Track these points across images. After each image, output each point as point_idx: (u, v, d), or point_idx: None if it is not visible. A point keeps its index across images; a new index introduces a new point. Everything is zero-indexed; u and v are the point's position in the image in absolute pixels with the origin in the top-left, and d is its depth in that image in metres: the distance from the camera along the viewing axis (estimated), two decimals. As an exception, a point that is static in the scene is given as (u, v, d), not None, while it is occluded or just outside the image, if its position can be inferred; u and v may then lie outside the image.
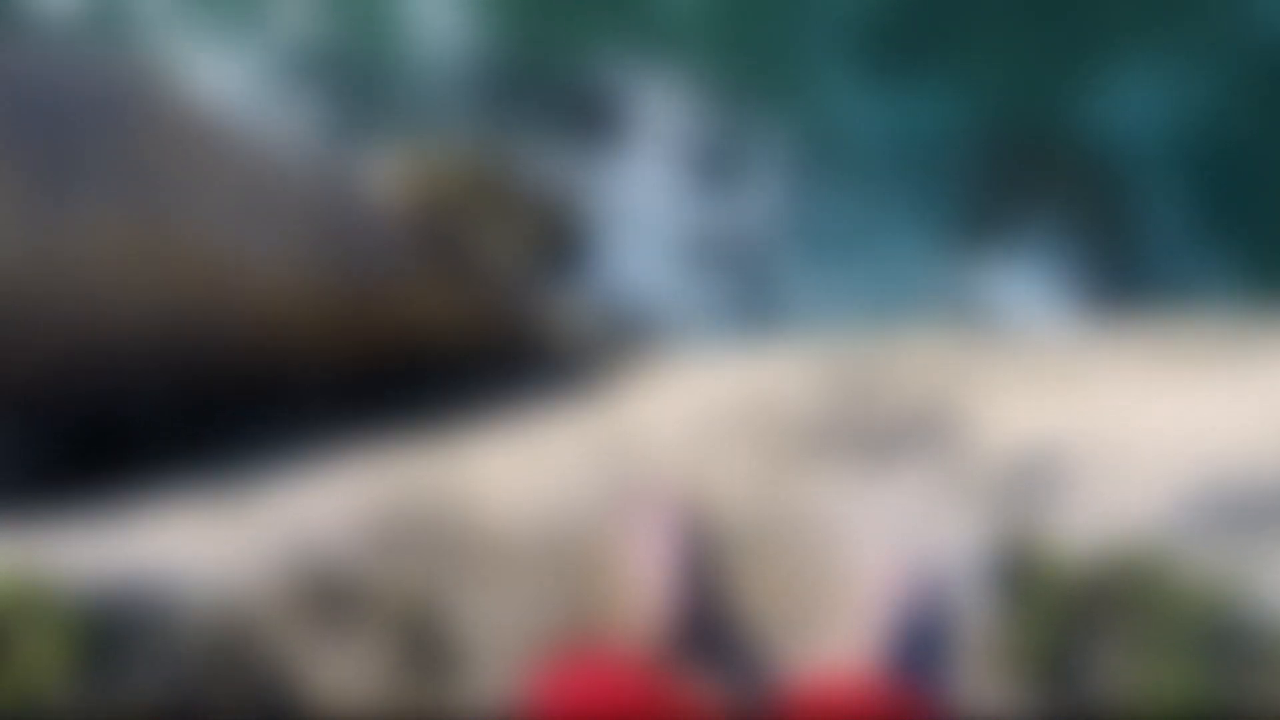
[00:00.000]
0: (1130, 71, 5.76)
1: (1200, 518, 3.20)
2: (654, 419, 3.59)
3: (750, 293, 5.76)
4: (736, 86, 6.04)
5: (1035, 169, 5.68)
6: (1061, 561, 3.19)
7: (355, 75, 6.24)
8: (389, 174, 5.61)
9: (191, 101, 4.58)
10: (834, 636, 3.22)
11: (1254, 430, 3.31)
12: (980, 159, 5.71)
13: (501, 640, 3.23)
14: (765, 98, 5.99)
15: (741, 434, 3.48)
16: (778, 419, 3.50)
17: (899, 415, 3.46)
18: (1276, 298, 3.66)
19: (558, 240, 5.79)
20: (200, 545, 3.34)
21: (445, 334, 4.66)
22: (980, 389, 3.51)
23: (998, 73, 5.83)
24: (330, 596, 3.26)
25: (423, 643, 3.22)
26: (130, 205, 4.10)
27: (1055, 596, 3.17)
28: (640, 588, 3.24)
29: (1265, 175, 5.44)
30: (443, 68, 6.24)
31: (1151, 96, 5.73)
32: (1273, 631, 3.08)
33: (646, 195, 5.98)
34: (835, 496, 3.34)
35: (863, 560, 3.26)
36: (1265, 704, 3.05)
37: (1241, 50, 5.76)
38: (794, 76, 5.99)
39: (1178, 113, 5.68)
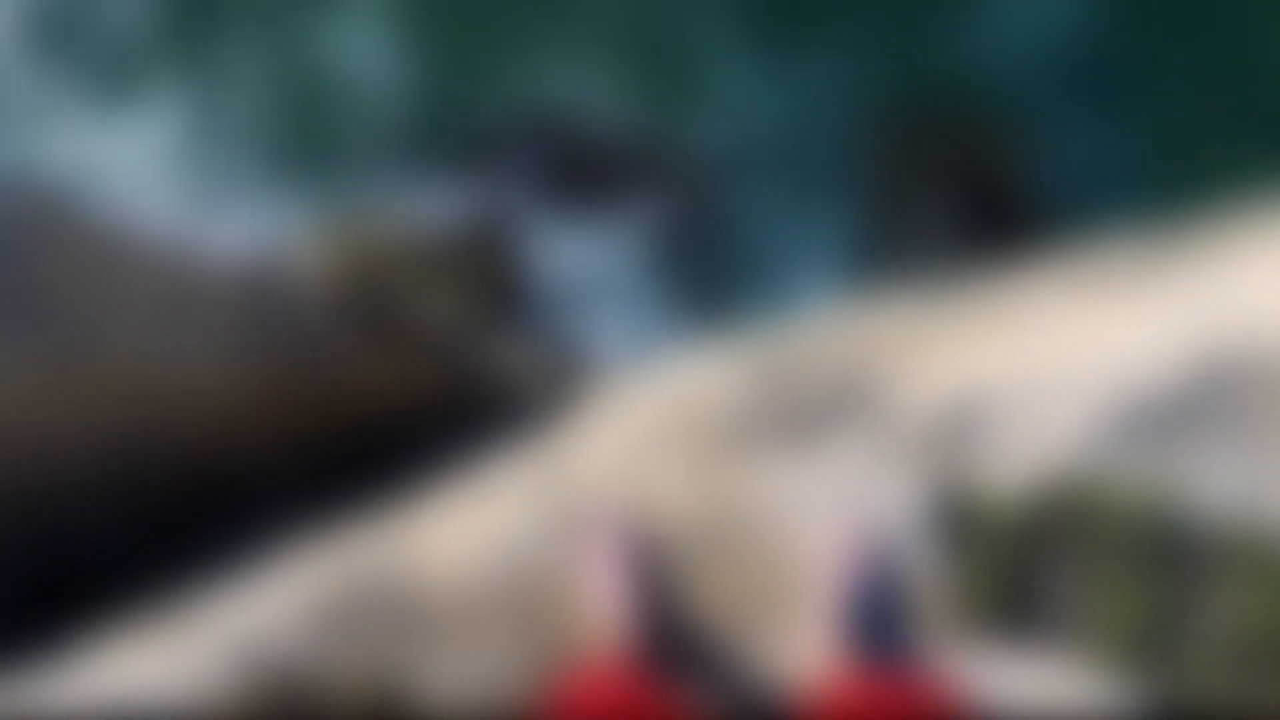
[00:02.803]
0: (1006, 5, 5.80)
1: (1125, 435, 3.24)
2: (591, 448, 3.62)
3: (684, 297, 5.79)
4: (643, 93, 6.07)
5: (930, 124, 5.71)
6: (1001, 502, 3.23)
7: (285, 138, 6.23)
8: (317, 249, 5.62)
9: (94, 217, 4.56)
10: (798, 623, 3.25)
11: (1164, 344, 3.35)
12: (877, 124, 5.75)
13: (473, 698, 3.27)
14: (670, 100, 6.03)
15: (676, 444, 3.52)
16: (708, 421, 3.54)
17: (822, 393, 3.50)
18: (1173, 212, 3.71)
19: (496, 288, 5.81)
20: (156, 667, 3.37)
21: (389, 403, 4.67)
22: (896, 351, 3.55)
23: (879, 30, 5.87)
24: (293, 692, 3.28)
25: (392, 716, 3.25)
26: (43, 340, 4.09)
27: (1002, 537, 3.20)
28: (601, 616, 3.28)
29: (1152, 86, 5.48)
30: (371, 114, 6.24)
31: (1034, 22, 5.76)
32: (1209, 534, 3.12)
33: (580, 215, 6.01)
34: (775, 485, 3.38)
35: (812, 540, 3.30)
36: (1212, 603, 3.09)
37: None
38: (692, 74, 6.03)
39: (1062, 34, 5.72)
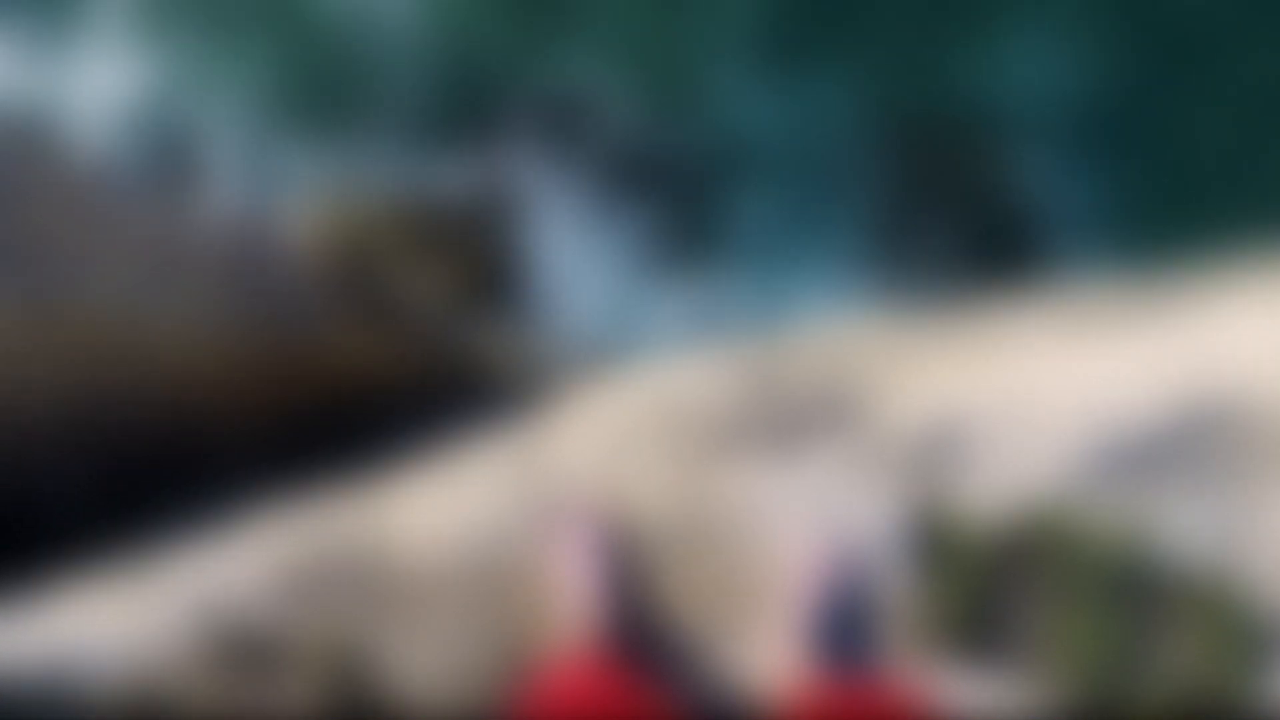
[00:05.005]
0: (1019, 38, 5.85)
1: (1102, 472, 3.28)
2: (571, 437, 3.64)
3: (676, 299, 5.81)
4: (649, 96, 6.08)
5: (936, 147, 5.75)
6: (974, 527, 3.27)
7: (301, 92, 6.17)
8: (310, 214, 5.60)
9: (82, 162, 4.52)
10: (766, 627, 3.29)
11: (1147, 385, 3.40)
12: (883, 142, 5.78)
13: (434, 674, 3.29)
14: (679, 101, 6.05)
15: (657, 440, 3.55)
16: (690, 421, 3.56)
17: (806, 402, 3.53)
18: (1162, 255, 3.76)
19: (481, 272, 5.80)
20: (115, 617, 3.37)
21: (368, 376, 4.67)
22: (883, 367, 3.58)
23: (890, 53, 5.91)
24: (252, 653, 3.30)
25: (352, 687, 3.27)
26: (20, 282, 4.05)
27: (971, 561, 3.24)
28: (569, 605, 3.30)
29: (1148, 136, 5.54)
30: (381, 81, 6.18)
31: (1041, 61, 5.81)
32: (1176, 575, 3.17)
33: (579, 208, 6.01)
34: (753, 489, 3.41)
35: (786, 549, 3.33)
36: (1173, 646, 3.14)
37: (1124, 14, 5.85)
38: (703, 78, 6.04)
39: (1066, 79, 5.77)
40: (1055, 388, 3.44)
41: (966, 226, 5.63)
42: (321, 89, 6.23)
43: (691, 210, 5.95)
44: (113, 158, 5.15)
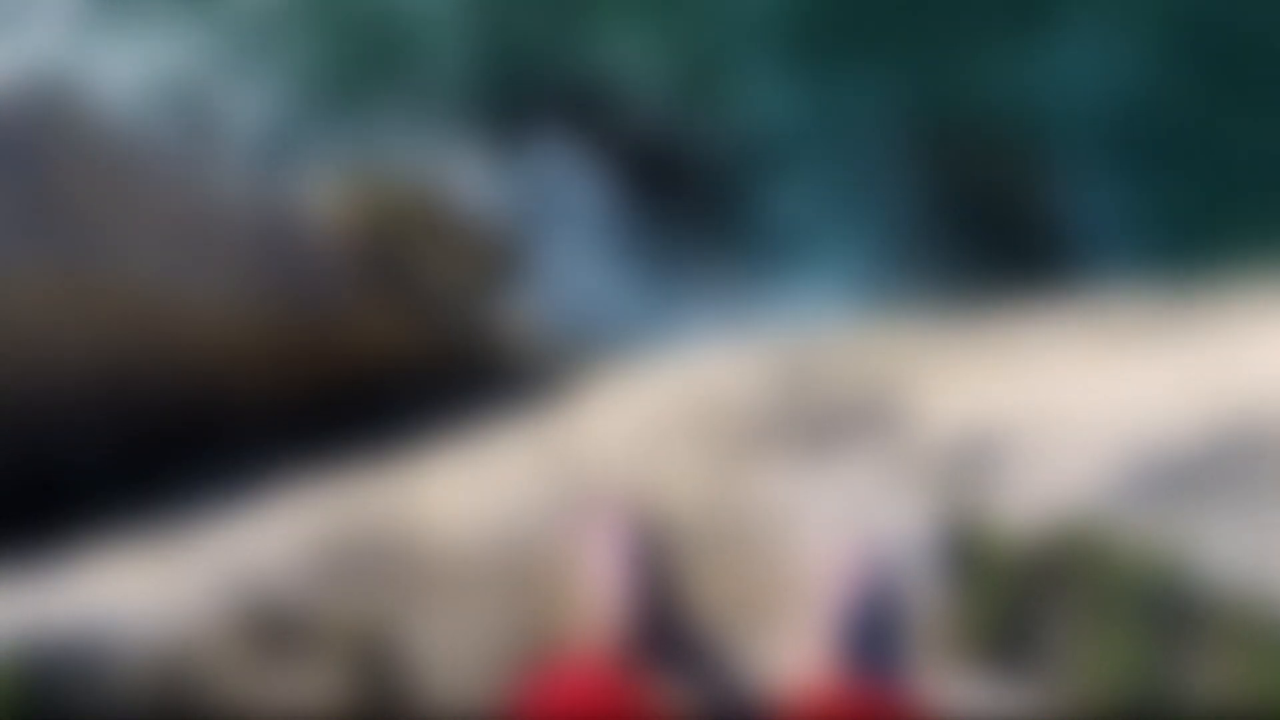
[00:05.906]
0: (1060, 47, 5.83)
1: (1138, 490, 3.26)
2: (601, 427, 3.63)
3: (698, 292, 5.80)
4: (678, 88, 6.08)
5: (966, 151, 5.73)
6: (1006, 539, 3.25)
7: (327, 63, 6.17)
8: (332, 198, 5.61)
9: (113, 131, 4.53)
10: (791, 630, 3.27)
11: (1185, 402, 3.37)
12: (915, 143, 5.77)
13: (457, 660, 3.27)
14: (700, 96, 6.04)
15: (688, 435, 3.53)
16: (723, 417, 3.55)
17: (841, 405, 3.51)
18: (1201, 270, 3.74)
19: (503, 257, 5.81)
20: (140, 589, 3.37)
21: (391, 358, 4.67)
22: (919, 374, 3.56)
23: (927, 52, 5.89)
24: (278, 629, 3.29)
25: (376, 668, 3.25)
26: (52, 249, 4.06)
27: (1002, 574, 3.22)
28: (594, 598, 3.29)
29: (1190, 149, 5.52)
30: (416, 65, 6.19)
31: (1081, 69, 5.79)
32: (1211, 597, 3.14)
33: (591, 199, 6.01)
34: (784, 490, 3.39)
35: (815, 551, 3.31)
36: (1205, 669, 3.12)
37: (1171, 24, 5.83)
38: (726, 72, 6.03)
39: (1108, 88, 5.75)
40: (1091, 401, 3.42)
41: (1000, 232, 5.61)
42: (352, 68, 6.23)
43: (718, 203, 5.93)
44: (145, 129, 5.14)
